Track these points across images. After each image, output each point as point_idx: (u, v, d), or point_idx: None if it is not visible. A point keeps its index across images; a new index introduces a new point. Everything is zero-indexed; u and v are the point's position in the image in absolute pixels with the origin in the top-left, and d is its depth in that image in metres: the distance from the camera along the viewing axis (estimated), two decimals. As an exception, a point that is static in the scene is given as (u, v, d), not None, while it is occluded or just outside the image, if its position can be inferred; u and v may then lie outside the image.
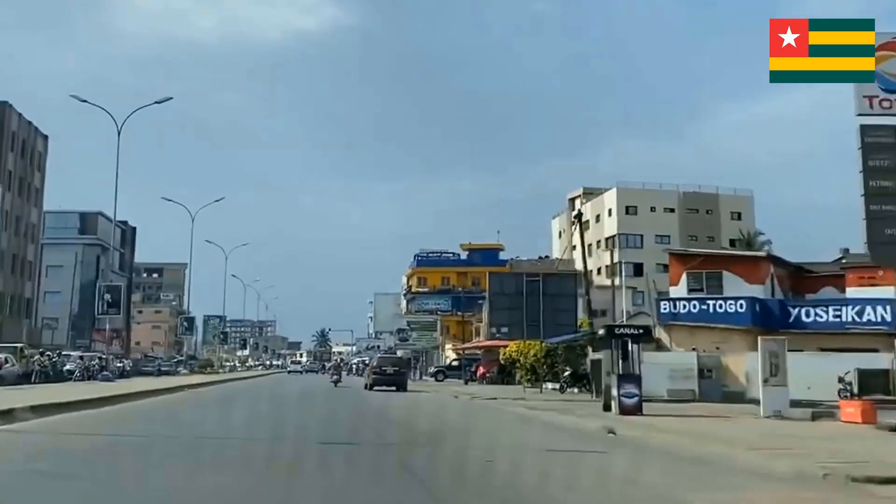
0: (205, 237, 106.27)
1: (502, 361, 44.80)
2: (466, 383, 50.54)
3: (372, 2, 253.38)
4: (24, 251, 76.29)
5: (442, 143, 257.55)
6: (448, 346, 74.15)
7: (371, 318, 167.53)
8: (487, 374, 50.00)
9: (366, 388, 37.74)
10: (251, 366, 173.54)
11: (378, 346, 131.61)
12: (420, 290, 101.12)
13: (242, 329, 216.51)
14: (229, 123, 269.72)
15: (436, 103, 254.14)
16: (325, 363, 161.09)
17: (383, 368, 38.86)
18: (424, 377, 71.38)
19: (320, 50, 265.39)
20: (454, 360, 64.40)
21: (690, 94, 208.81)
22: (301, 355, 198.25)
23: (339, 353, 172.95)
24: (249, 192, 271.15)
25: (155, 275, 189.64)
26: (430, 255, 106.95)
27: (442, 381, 61.28)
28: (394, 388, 36.10)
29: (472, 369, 55.29)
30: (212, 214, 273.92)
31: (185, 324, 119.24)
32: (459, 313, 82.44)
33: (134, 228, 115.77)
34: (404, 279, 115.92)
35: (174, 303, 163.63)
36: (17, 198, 73.75)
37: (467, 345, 58.20)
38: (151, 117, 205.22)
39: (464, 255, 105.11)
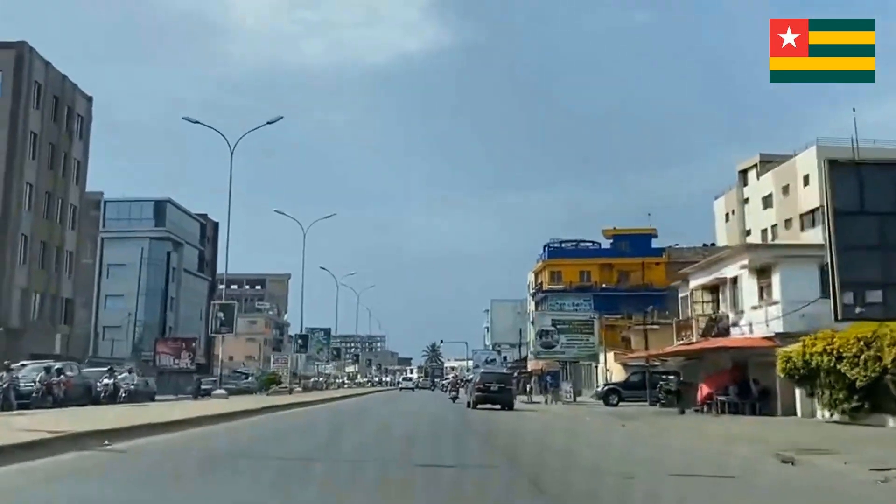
0: (314, 254, 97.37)
1: (790, 369, 23.89)
2: (683, 413, 30.22)
3: (473, 21, 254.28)
4: (61, 239, 59.68)
5: (548, 155, 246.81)
6: (610, 355, 53.83)
7: (487, 328, 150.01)
8: (717, 398, 29.66)
9: (468, 406, 35.67)
10: (361, 382, 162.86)
11: (495, 360, 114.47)
12: (554, 287, 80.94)
13: (352, 344, 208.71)
14: (336, 143, 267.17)
15: (540, 116, 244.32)
16: (437, 379, 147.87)
17: (487, 385, 35.92)
18: (580, 397, 51.38)
19: (424, 69, 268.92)
20: (634, 373, 44.27)
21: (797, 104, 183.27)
22: (411, 371, 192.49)
23: (453, 367, 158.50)
24: (356, 210, 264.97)
25: (258, 286, 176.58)
26: (565, 244, 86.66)
27: (616, 404, 41.18)
28: (498, 406, 34.21)
29: (670, 387, 35.14)
30: (320, 232, 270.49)
31: (300, 341, 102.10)
32: (608, 315, 62.43)
33: (216, 224, 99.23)
34: (531, 277, 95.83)
35: (271, 312, 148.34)
36: (48, 170, 57.29)
37: (666, 349, 37.54)
38: (262, 138, 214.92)
39: (606, 244, 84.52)
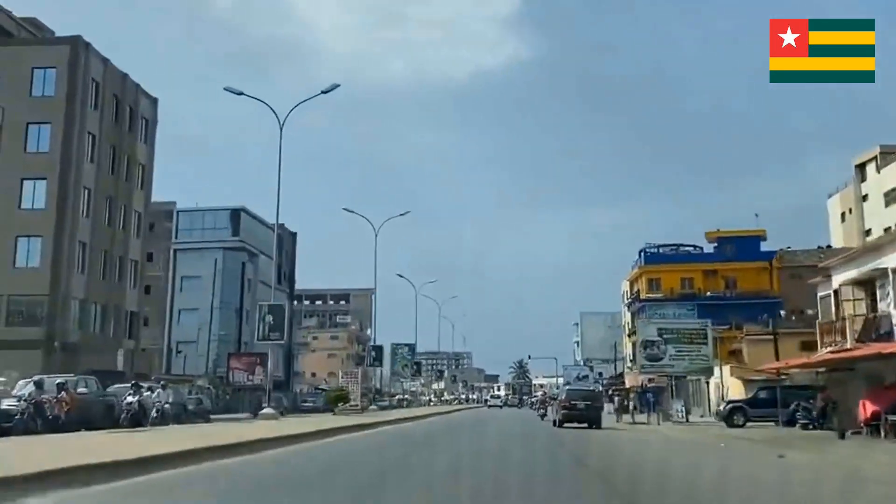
0: (394, 270, 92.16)
1: None
2: (843, 437, 23.71)
3: (551, 35, 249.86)
4: (125, 247, 55.99)
5: (633, 166, 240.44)
6: (725, 368, 47.12)
7: (577, 342, 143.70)
8: (888, 417, 23.06)
9: (554, 424, 35.14)
10: (447, 399, 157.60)
11: (588, 376, 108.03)
12: (652, 295, 74.01)
13: (438, 361, 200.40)
14: (418, 159, 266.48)
15: (622, 127, 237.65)
16: (524, 396, 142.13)
17: (573, 402, 34.50)
18: (689, 416, 44.84)
19: (504, 84, 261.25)
20: (761, 388, 37.47)
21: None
22: (499, 388, 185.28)
23: (541, 385, 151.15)
24: (439, 225, 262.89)
25: (342, 301, 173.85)
26: (663, 248, 79.58)
27: (743, 424, 34.56)
28: (585, 424, 32.99)
29: (816, 405, 28.63)
30: (400, 248, 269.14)
31: (374, 353, 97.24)
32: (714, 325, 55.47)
33: (294, 234, 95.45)
34: (625, 285, 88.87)
35: (353, 327, 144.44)
36: (109, 174, 53.71)
37: (814, 358, 30.84)
38: (346, 157, 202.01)
39: (709, 248, 77.19)
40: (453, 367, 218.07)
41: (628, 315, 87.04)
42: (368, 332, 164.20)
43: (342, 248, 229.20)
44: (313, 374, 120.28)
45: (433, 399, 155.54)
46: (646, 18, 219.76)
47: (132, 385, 24.53)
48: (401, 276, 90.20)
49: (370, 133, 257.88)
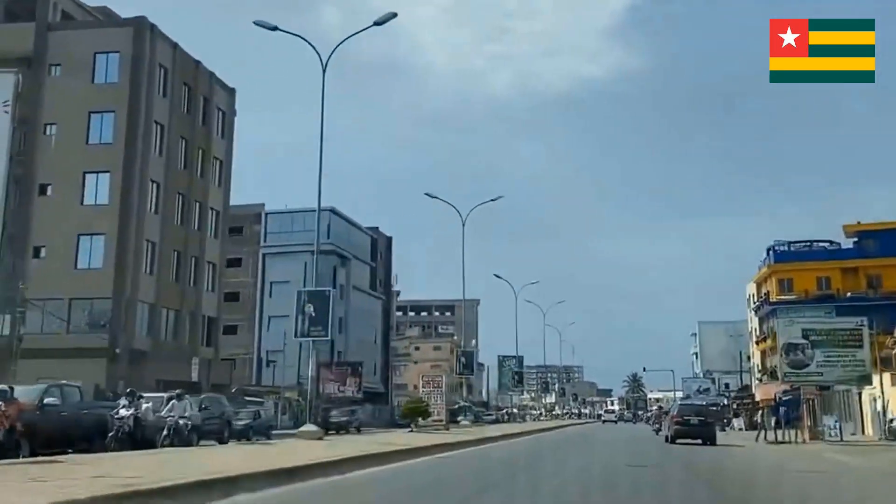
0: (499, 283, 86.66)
1: None
2: None
3: (655, 43, 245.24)
4: (201, 248, 51.71)
5: (738, 176, 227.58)
6: (886, 377, 39.06)
7: (696, 354, 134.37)
8: None
9: (667, 440, 33.32)
10: (558, 414, 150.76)
11: (709, 389, 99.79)
12: (784, 297, 65.59)
13: (549, 374, 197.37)
14: (523, 171, 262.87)
15: (728, 135, 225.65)
16: (639, 411, 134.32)
17: (686, 418, 33.16)
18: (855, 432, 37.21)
19: (608, 94, 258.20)
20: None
21: None
22: (612, 402, 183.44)
23: (657, 399, 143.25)
24: (544, 237, 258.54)
25: (448, 313, 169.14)
26: (794, 245, 70.83)
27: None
28: (699, 440, 31.76)
29: None
30: (508, 262, 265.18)
31: (463, 360, 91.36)
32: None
33: (389, 239, 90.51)
34: (750, 288, 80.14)
35: (455, 337, 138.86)
36: (181, 169, 49.59)
37: None
38: (450, 171, 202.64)
39: (847, 244, 68.21)
40: (564, 380, 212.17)
41: (755, 320, 78.41)
42: (473, 342, 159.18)
43: (448, 261, 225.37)
44: (415, 387, 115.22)
45: (544, 413, 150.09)
46: (755, 23, 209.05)
47: (127, 394, 19.16)
48: (498, 277, 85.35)
49: (478, 146, 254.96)
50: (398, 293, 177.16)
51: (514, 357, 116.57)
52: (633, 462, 18.72)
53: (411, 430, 34.38)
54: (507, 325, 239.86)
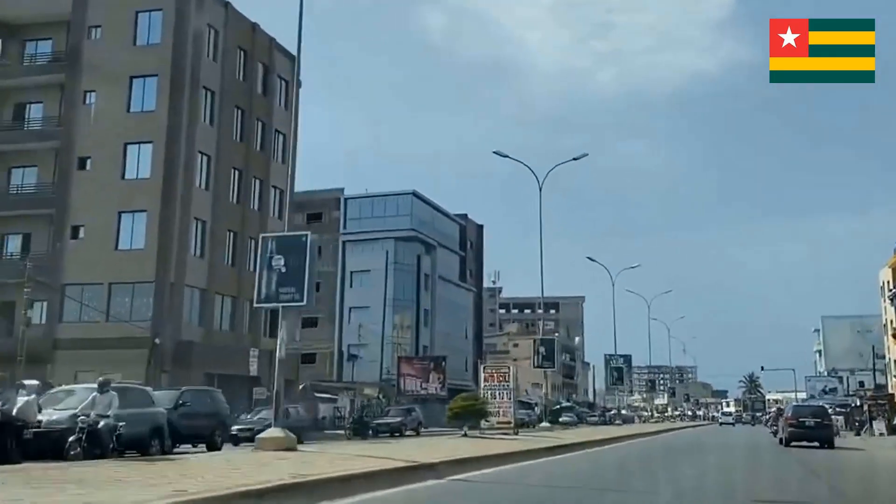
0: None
1: None
2: None
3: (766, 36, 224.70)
4: (262, 229, 46.58)
5: (868, 171, 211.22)
6: None
7: (819, 351, 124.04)
8: None
9: (781, 443, 32.42)
10: (670, 415, 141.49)
11: (836, 389, 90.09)
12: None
13: (660, 374, 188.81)
14: (633, 171, 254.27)
15: (848, 129, 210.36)
16: (757, 413, 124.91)
17: (801, 420, 31.46)
18: None
19: (721, 89, 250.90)
20: None
21: None
22: (727, 404, 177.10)
23: (776, 400, 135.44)
24: (656, 235, 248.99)
25: (552, 311, 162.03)
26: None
27: None
28: (816, 443, 30.17)
29: None
30: (619, 259, 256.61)
31: (543, 351, 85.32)
32: None
33: (480, 227, 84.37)
34: (885, 274, 70.73)
35: (556, 334, 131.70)
36: (235, 141, 44.79)
37: None
38: (564, 172, 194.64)
39: None
40: (676, 381, 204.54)
41: (891, 311, 68.98)
42: (577, 340, 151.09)
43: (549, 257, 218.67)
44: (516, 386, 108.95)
45: (656, 415, 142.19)
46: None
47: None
48: (630, 292, 75.24)
49: (585, 144, 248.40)
50: (500, 290, 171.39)
51: (620, 356, 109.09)
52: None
53: (465, 435, 28.09)
54: (617, 323, 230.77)
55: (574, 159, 47.29)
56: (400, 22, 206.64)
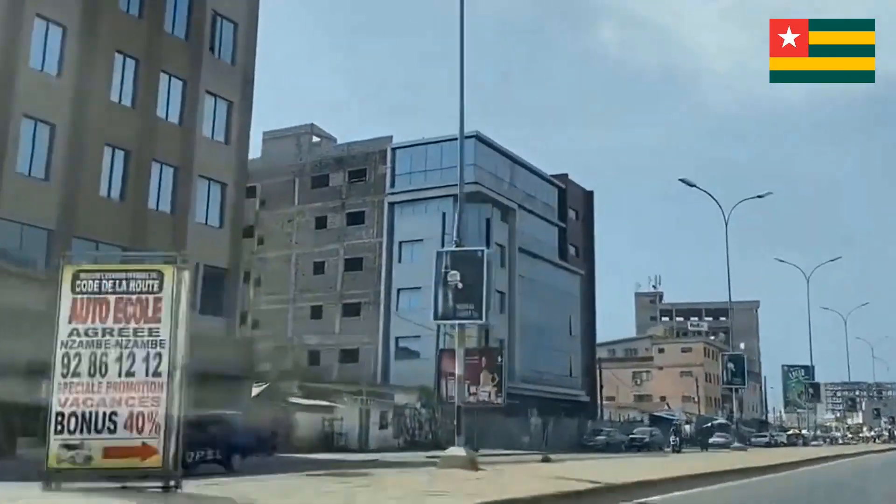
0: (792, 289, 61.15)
1: None
2: None
3: None
4: (188, 150, 31.03)
5: None
6: None
7: None
8: None
9: None
10: (866, 437, 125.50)
11: None
12: None
13: (856, 392, 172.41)
14: (827, 183, 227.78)
15: None
16: None
17: None
18: None
19: None
20: None
21: None
22: None
23: None
24: (860, 250, 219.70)
25: (722, 318, 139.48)
26: None
27: None
28: None
29: None
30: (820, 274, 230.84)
31: (732, 367, 64.79)
32: None
33: (589, 193, 65.25)
34: None
35: (711, 336, 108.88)
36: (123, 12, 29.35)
37: None
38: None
39: None
40: (875, 398, 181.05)
41: None
42: (742, 345, 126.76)
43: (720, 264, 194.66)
44: (662, 399, 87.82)
45: (849, 436, 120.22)
46: None
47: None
48: (826, 309, 59.37)
49: (769, 155, 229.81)
50: (661, 295, 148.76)
51: (801, 367, 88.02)
52: None
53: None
54: (794, 333, 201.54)
55: (758, 196, 46.37)
56: (576, 37, 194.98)
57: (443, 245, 49.18)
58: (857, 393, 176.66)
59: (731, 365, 46.47)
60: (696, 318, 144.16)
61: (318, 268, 52.47)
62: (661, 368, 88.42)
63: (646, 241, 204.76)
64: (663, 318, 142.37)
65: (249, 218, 55.93)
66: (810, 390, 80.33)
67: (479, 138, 49.79)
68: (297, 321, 52.22)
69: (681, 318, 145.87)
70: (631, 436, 51.86)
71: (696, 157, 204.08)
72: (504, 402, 39.11)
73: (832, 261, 70.79)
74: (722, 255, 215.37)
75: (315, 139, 55.43)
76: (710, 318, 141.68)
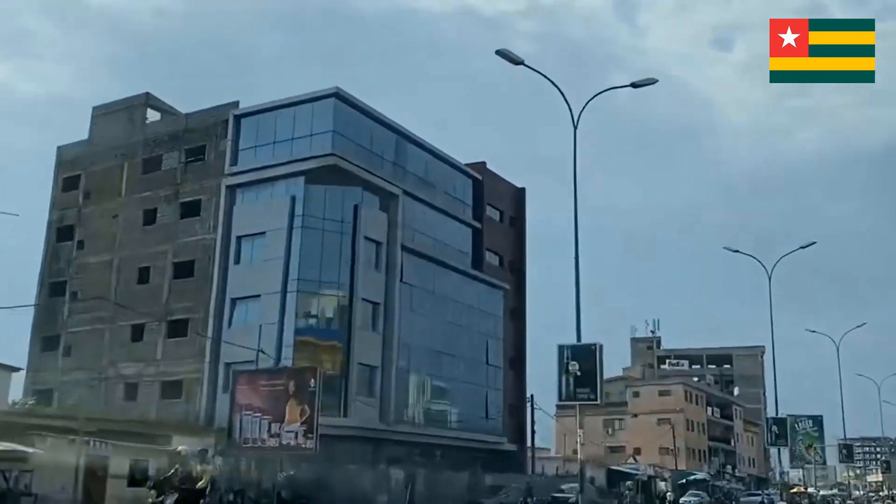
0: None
1: None
2: None
3: None
4: None
5: None
6: None
7: None
8: None
9: None
10: (888, 495, 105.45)
11: None
12: None
13: (877, 447, 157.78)
14: (846, 238, 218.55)
15: None
16: None
17: None
18: None
19: None
20: None
21: None
22: None
23: None
24: (857, 303, 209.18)
25: (726, 365, 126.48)
26: None
27: None
28: None
29: None
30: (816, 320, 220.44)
31: (776, 429, 55.35)
32: None
33: (520, 190, 52.00)
34: None
35: (695, 378, 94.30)
36: None
37: None
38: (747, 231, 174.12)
39: None
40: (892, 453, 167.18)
41: None
42: (736, 390, 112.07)
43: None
44: (636, 451, 72.99)
45: (871, 495, 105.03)
46: None
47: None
48: (861, 376, 64.41)
49: (792, 208, 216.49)
50: (658, 340, 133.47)
51: (809, 418, 72.97)
52: None
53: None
54: (803, 379, 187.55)
55: (802, 248, 42.56)
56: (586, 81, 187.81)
57: (289, 239, 36.44)
58: (878, 448, 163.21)
59: (775, 428, 46.87)
60: (699, 366, 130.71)
61: (143, 275, 39.58)
62: (634, 416, 73.85)
63: (644, 285, 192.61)
64: (661, 366, 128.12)
65: (70, 216, 43.35)
66: (845, 451, 67.90)
67: (341, 96, 36.89)
68: (116, 346, 39.29)
69: (683, 363, 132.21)
70: (554, 495, 38.11)
71: (700, 213, 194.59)
72: (316, 448, 25.77)
73: (858, 326, 59.56)
74: (722, 302, 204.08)
75: (153, 114, 42.88)
76: (713, 366, 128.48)
